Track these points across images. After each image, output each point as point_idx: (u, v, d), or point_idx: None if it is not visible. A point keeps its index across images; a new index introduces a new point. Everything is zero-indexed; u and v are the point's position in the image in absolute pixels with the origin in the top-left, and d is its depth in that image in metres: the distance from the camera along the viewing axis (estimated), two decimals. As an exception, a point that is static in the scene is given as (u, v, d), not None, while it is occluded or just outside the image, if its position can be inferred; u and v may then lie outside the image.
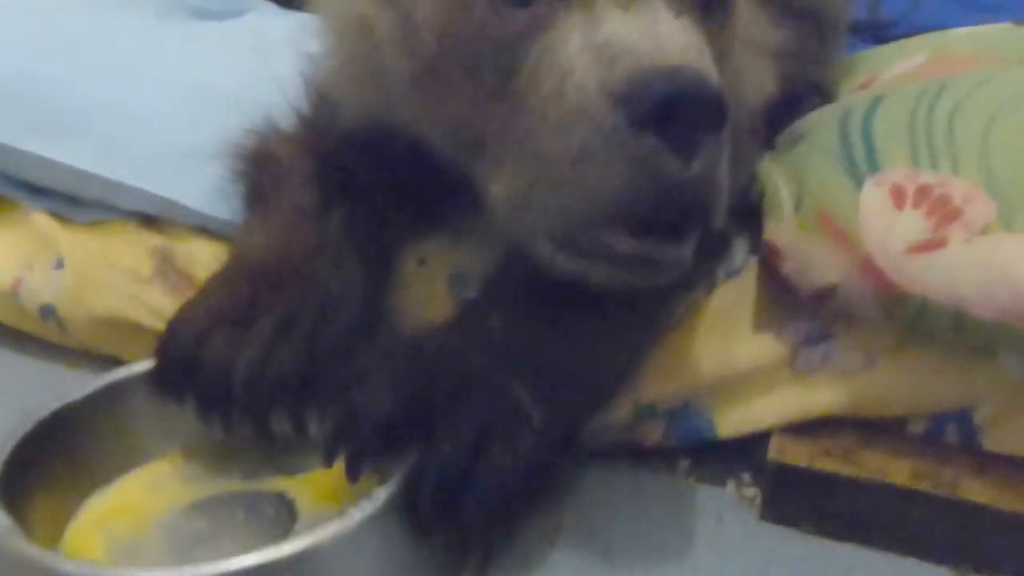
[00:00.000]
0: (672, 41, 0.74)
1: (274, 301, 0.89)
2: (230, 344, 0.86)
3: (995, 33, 1.30)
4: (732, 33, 0.87)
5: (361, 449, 0.78)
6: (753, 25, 1.02)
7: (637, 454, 0.95)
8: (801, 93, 1.14)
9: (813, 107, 1.09)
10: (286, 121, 1.05)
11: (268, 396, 0.86)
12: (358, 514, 0.76)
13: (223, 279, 0.93)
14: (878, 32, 1.59)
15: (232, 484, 0.91)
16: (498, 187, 0.81)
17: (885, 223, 0.88)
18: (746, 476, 0.93)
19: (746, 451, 0.93)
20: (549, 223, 0.76)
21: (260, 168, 1.04)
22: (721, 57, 0.83)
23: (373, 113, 0.92)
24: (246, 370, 0.85)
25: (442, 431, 0.78)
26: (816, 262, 0.90)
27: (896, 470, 0.87)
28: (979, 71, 1.03)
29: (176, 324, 0.89)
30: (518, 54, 0.78)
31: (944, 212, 0.86)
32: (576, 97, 0.73)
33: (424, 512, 0.77)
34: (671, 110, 0.69)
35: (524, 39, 0.78)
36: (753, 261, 0.96)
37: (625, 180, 0.71)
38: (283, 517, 0.87)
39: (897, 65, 1.16)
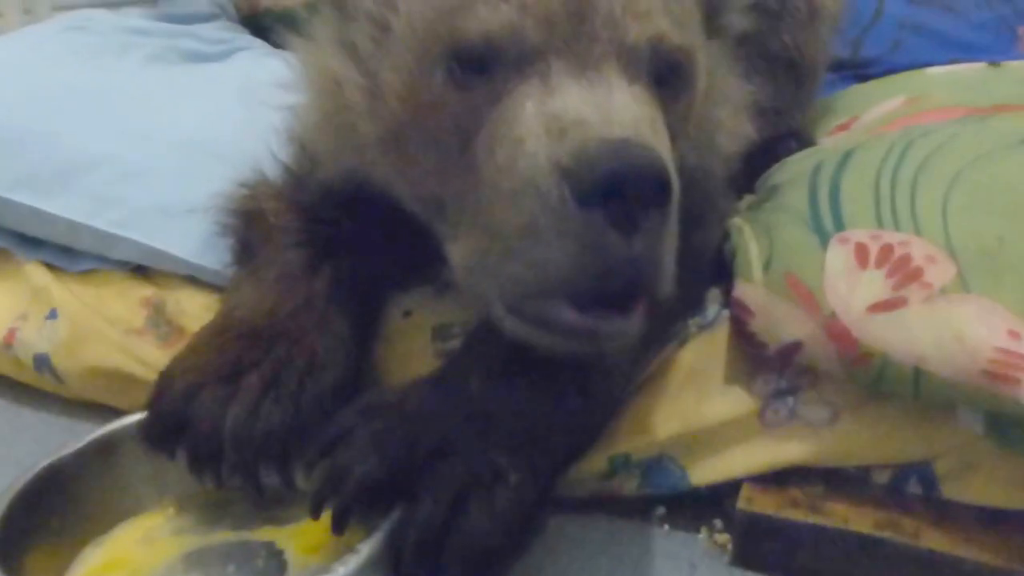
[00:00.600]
0: (623, 112, 0.76)
1: (262, 358, 0.91)
2: (219, 399, 0.88)
3: (970, 75, 1.35)
4: (691, 99, 0.89)
5: (346, 504, 0.82)
6: (726, 79, 1.05)
7: (614, 502, 0.98)
8: (778, 138, 1.17)
9: (789, 152, 1.13)
10: (272, 172, 1.09)
11: (256, 450, 0.88)
12: (341, 569, 0.79)
13: (212, 335, 0.95)
14: (859, 71, 1.64)
15: (223, 534, 0.94)
16: (456, 250, 0.84)
17: (848, 282, 0.92)
18: (718, 523, 0.97)
19: (719, 499, 0.97)
20: (500, 290, 0.78)
21: (248, 224, 1.07)
22: (679, 124, 0.86)
23: (349, 167, 0.96)
24: (234, 425, 0.88)
25: (423, 489, 0.81)
26: (783, 320, 0.94)
27: (860, 519, 0.91)
28: (947, 125, 1.07)
29: (166, 379, 0.92)
30: (475, 124, 0.81)
31: (905, 272, 0.90)
32: (526, 168, 0.76)
33: (407, 566, 0.80)
34: (615, 187, 0.71)
35: (481, 109, 0.81)
36: (725, 314, 1.00)
37: (569, 255, 0.73)
38: (272, 568, 0.90)
39: (876, 108, 1.19)
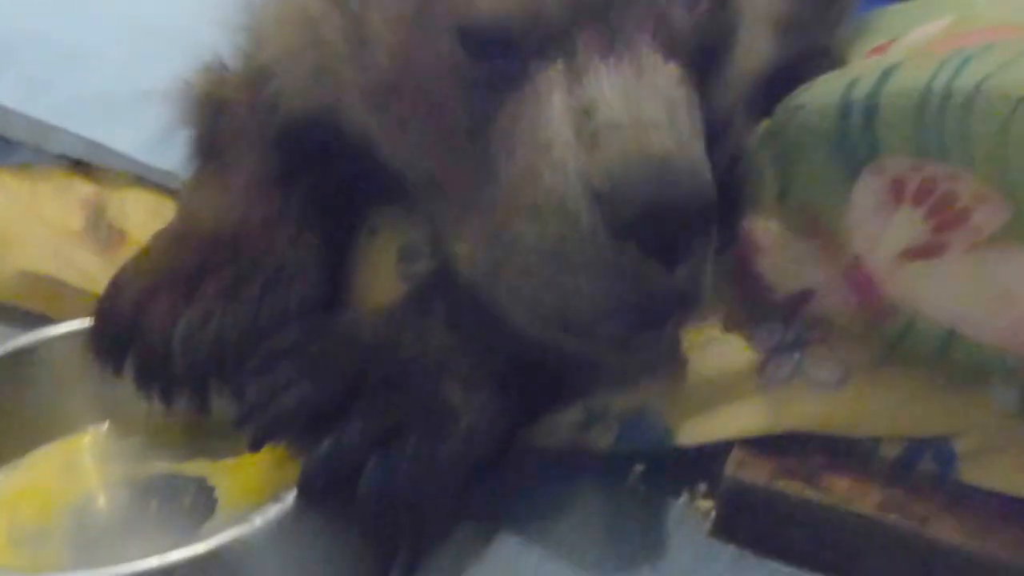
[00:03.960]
0: (657, 107, 0.67)
1: (224, 266, 0.84)
2: (173, 307, 0.82)
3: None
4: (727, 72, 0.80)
5: (269, 426, 0.74)
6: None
7: (586, 457, 0.87)
8: (804, 58, 1.02)
9: (817, 73, 0.98)
10: (237, 65, 0.97)
11: (207, 358, 0.81)
12: (259, 520, 0.70)
13: (171, 240, 0.88)
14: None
15: (153, 466, 0.87)
16: (460, 246, 0.76)
17: (878, 222, 0.79)
18: (702, 487, 0.86)
19: (705, 461, 0.86)
20: (518, 304, 0.71)
21: (215, 114, 0.96)
22: (709, 103, 0.77)
23: (318, 106, 0.85)
24: (186, 330, 0.81)
25: (355, 416, 0.73)
26: (795, 262, 0.82)
27: (862, 498, 0.80)
28: (1010, 44, 0.91)
29: (116, 284, 0.85)
30: (491, 106, 0.70)
31: (948, 213, 0.77)
32: (553, 183, 0.67)
33: (312, 491, 0.72)
34: (656, 215, 0.64)
35: (499, 89, 0.70)
36: (730, 253, 0.86)
37: (603, 288, 0.66)
38: (200, 507, 0.83)
39: (919, 29, 1.03)
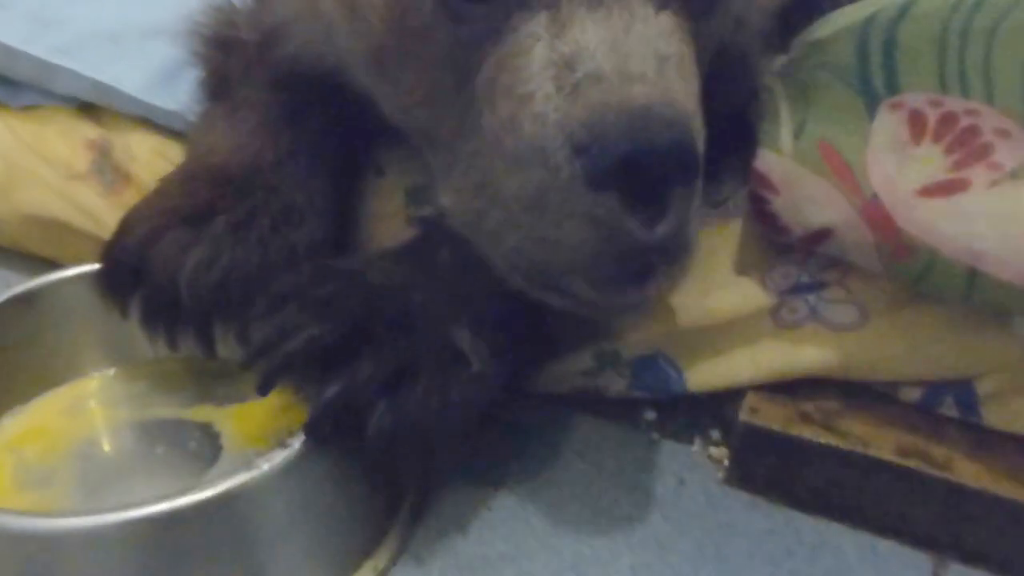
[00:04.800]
0: (645, 57, 0.64)
1: (234, 205, 0.82)
2: (182, 244, 0.80)
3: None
4: (716, 25, 0.76)
5: (279, 365, 0.72)
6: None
7: (598, 403, 0.87)
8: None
9: (836, 6, 0.95)
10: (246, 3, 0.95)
11: (213, 295, 0.80)
12: (265, 465, 0.69)
13: (181, 180, 0.86)
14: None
15: (158, 410, 0.85)
16: (447, 195, 0.75)
17: (897, 158, 0.76)
18: (715, 434, 0.85)
19: (718, 407, 0.84)
20: (502, 253, 0.70)
21: (225, 53, 0.94)
22: (710, 40, 0.75)
23: (324, 62, 0.84)
24: (194, 266, 0.79)
25: (364, 358, 0.71)
26: (811, 200, 0.79)
27: (881, 442, 0.77)
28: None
29: (126, 223, 0.83)
30: (473, 61, 0.69)
31: (969, 148, 0.74)
32: (532, 133, 0.65)
33: (320, 433, 0.71)
34: (635, 166, 0.61)
35: (481, 42, 0.68)
36: (743, 193, 0.84)
37: (581, 240, 0.64)
38: (205, 452, 0.81)
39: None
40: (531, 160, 0.65)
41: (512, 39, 0.67)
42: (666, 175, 0.62)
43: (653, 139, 0.61)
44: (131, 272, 0.81)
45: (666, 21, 0.67)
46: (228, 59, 0.94)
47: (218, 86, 0.95)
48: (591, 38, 0.65)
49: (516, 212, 0.67)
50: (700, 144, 0.65)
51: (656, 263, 0.66)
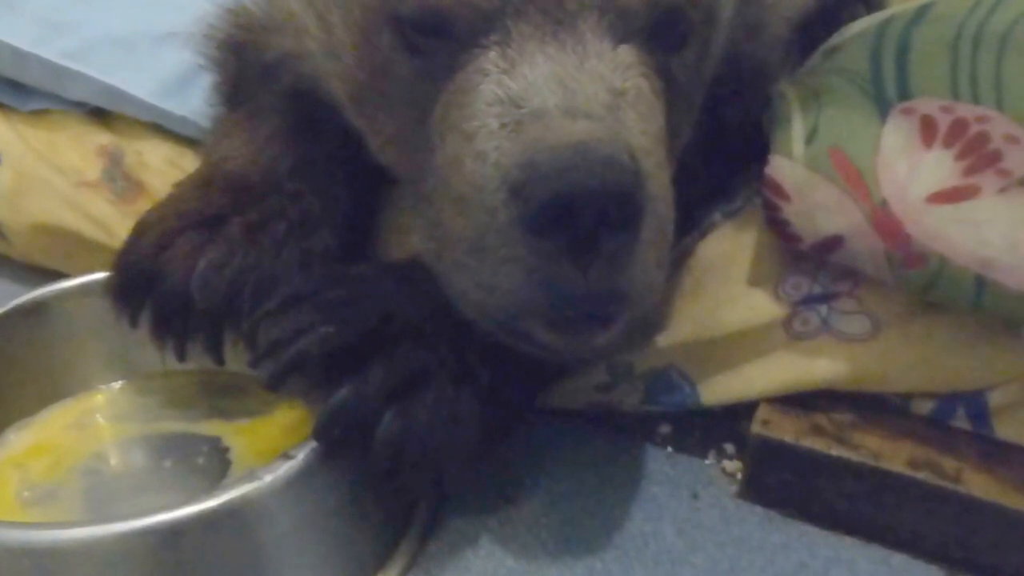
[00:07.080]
0: (595, 97, 0.62)
1: (249, 208, 0.81)
2: (195, 245, 0.78)
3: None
4: (707, 39, 0.76)
5: (289, 364, 0.71)
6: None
7: (612, 418, 0.86)
8: (842, 2, 1.00)
9: (855, 18, 0.95)
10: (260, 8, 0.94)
11: (225, 299, 0.78)
12: (268, 477, 0.68)
13: (197, 185, 0.85)
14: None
15: (166, 424, 0.85)
16: (415, 233, 0.74)
17: (908, 164, 0.76)
18: (729, 448, 0.85)
19: (732, 421, 0.84)
20: (455, 295, 0.68)
21: (241, 58, 0.93)
22: (689, 73, 0.73)
23: (322, 96, 0.83)
24: (206, 268, 0.77)
25: (375, 364, 0.71)
26: (822, 207, 0.79)
27: (893, 455, 0.77)
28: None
29: (140, 229, 0.82)
30: (431, 95, 0.68)
31: (979, 155, 0.74)
32: (473, 173, 0.63)
33: (328, 440, 0.70)
34: (565, 209, 0.59)
35: (436, 78, 0.67)
36: (757, 202, 0.84)
37: (519, 285, 0.62)
38: (214, 467, 0.80)
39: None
40: (472, 201, 0.64)
41: (462, 75, 0.66)
42: (601, 218, 0.59)
43: (584, 180, 0.58)
44: (143, 276, 0.79)
45: (626, 55, 0.66)
46: (242, 63, 0.93)
47: (233, 91, 0.94)
48: (540, 73, 0.63)
49: (461, 255, 0.65)
50: (658, 182, 0.63)
51: (592, 310, 0.64)
